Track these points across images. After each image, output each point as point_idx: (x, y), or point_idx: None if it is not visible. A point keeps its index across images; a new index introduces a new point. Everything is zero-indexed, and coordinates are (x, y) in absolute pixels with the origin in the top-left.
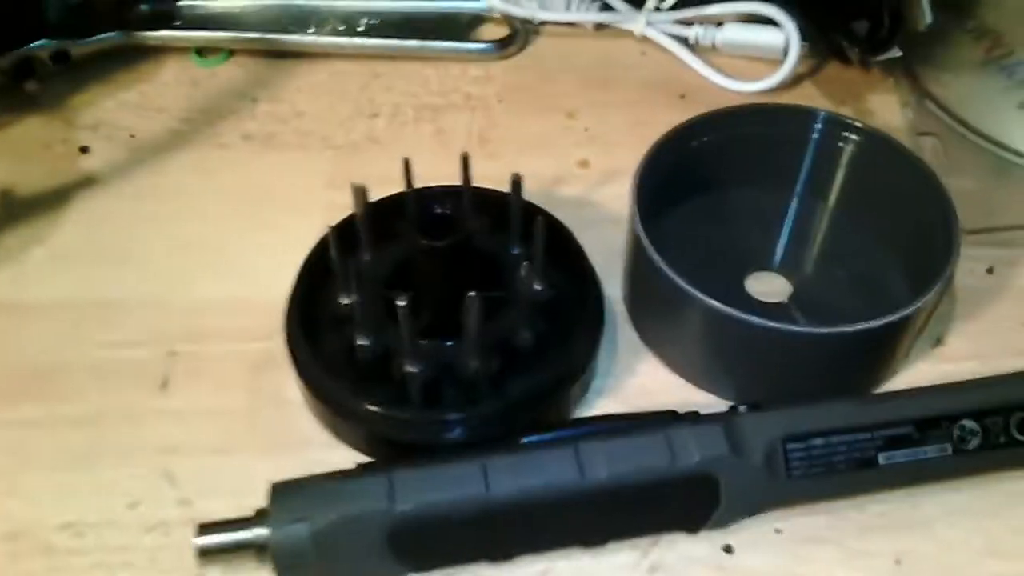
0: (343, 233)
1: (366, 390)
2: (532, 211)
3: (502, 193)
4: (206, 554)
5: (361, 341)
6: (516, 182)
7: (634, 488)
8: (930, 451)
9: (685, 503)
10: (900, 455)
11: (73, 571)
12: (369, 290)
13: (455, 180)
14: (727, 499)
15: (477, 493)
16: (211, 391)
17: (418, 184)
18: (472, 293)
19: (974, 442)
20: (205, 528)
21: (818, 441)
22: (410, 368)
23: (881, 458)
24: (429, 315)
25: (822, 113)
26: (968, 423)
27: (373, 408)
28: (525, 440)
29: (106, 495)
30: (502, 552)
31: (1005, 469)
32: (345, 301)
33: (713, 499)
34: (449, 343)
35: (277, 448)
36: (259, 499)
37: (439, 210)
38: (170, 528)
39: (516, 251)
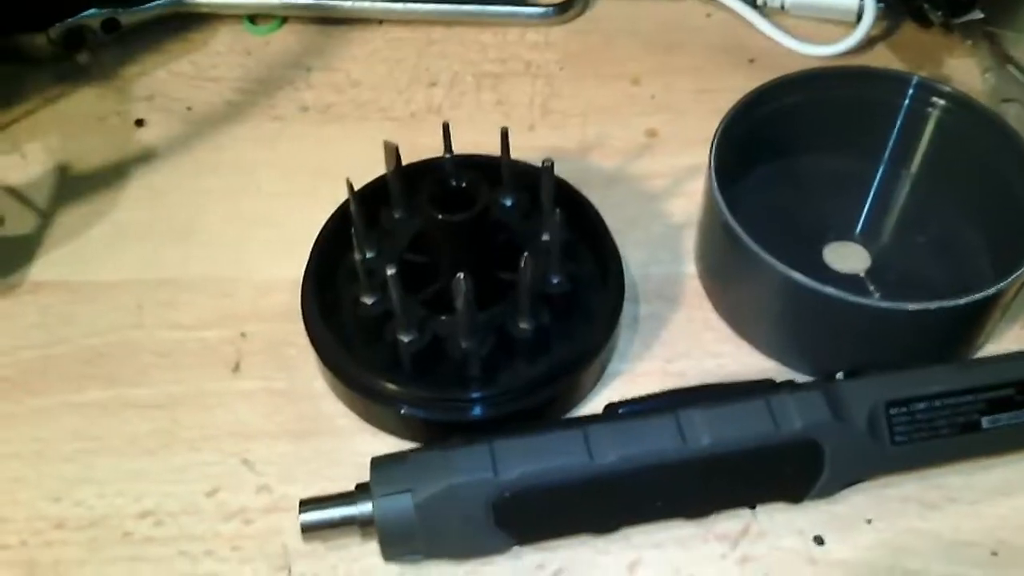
0: (369, 197)
1: (368, 360)
2: (562, 195)
3: (537, 169)
4: (309, 530)
5: (365, 299)
6: (547, 168)
7: (737, 455)
8: None
9: (789, 470)
10: (1004, 418)
11: (155, 560)
12: (388, 253)
13: (520, 152)
14: (831, 466)
15: (580, 461)
16: (285, 373)
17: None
18: (460, 275)
19: None
20: (307, 504)
21: (920, 405)
22: (403, 337)
23: (984, 421)
24: (439, 286)
25: (915, 78)
26: None
27: (369, 380)
28: (622, 411)
29: (183, 482)
30: (605, 523)
31: None
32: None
33: (817, 466)
34: (444, 318)
35: (357, 430)
36: (340, 483)
37: (461, 183)
38: (251, 515)
39: (545, 237)
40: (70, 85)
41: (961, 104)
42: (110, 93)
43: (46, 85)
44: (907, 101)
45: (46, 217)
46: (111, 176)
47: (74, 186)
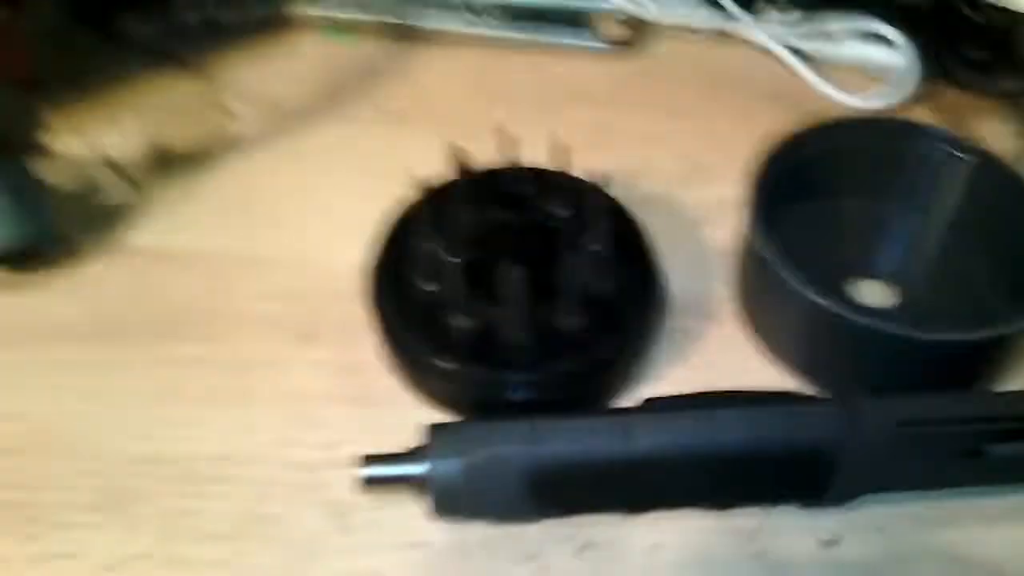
0: (436, 194)
1: (424, 340)
2: (613, 210)
3: (591, 185)
4: (370, 483)
5: (426, 286)
6: (601, 182)
7: (758, 456)
8: None
9: (804, 476)
10: (1009, 448)
11: (223, 498)
12: (450, 246)
13: (572, 171)
14: (842, 477)
15: (614, 445)
16: (350, 347)
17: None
18: (514, 271)
19: None
20: (369, 460)
21: (931, 428)
22: (457, 323)
23: (990, 449)
24: (495, 279)
25: (947, 133)
26: None
27: (425, 359)
28: (658, 404)
29: (255, 433)
30: (633, 504)
31: None
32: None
33: (830, 475)
34: (496, 308)
35: (413, 402)
36: (396, 447)
37: (521, 188)
38: (314, 467)
39: (594, 246)
40: (168, 74)
41: (989, 161)
42: (204, 84)
43: (145, 71)
44: (936, 154)
45: (140, 190)
46: (202, 160)
47: (166, 165)
